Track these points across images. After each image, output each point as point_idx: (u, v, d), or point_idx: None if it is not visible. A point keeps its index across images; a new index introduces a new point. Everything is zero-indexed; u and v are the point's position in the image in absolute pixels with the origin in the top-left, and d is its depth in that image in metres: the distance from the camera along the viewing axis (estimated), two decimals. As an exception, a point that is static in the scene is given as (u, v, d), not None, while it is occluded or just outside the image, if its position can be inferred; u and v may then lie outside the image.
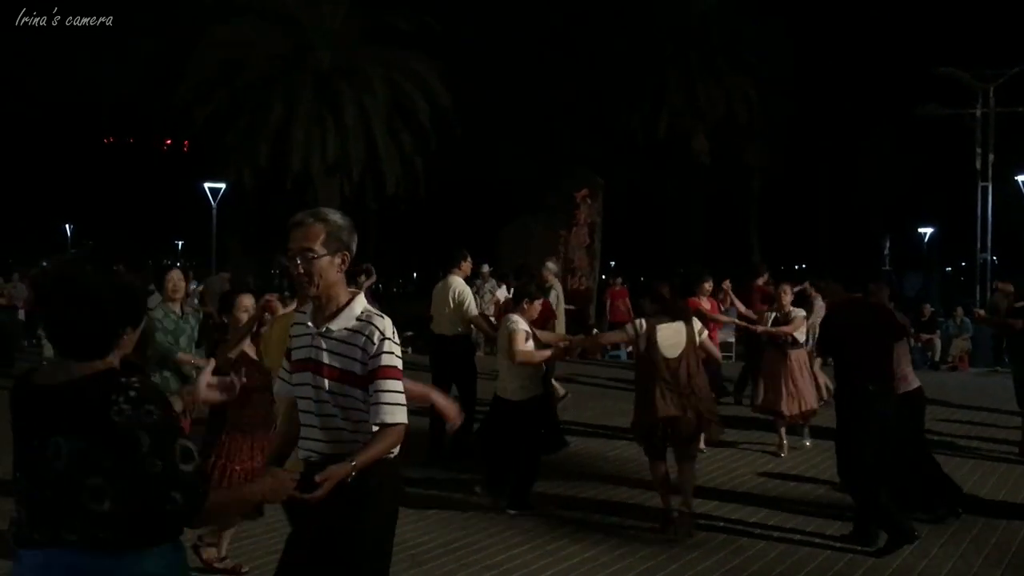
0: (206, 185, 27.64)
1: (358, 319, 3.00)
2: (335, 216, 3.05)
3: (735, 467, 8.05)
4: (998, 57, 22.58)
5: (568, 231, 18.03)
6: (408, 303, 22.44)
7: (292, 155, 23.10)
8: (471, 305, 8.31)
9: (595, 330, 15.93)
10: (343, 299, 3.04)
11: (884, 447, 5.80)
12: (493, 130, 27.75)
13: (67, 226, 44.18)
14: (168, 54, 24.19)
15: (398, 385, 2.96)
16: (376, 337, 2.95)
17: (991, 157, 22.10)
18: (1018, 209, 23.41)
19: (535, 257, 17.39)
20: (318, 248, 2.97)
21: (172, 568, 2.36)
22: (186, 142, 32.43)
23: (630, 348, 7.20)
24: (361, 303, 3.05)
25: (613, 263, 32.82)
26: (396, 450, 3.09)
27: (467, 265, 8.68)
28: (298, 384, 3.09)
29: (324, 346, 3.00)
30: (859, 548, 5.80)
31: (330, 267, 2.98)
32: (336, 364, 2.98)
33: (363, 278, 7.81)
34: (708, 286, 9.40)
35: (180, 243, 48.77)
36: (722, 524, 6.35)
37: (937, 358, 17.03)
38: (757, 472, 7.88)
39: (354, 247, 3.07)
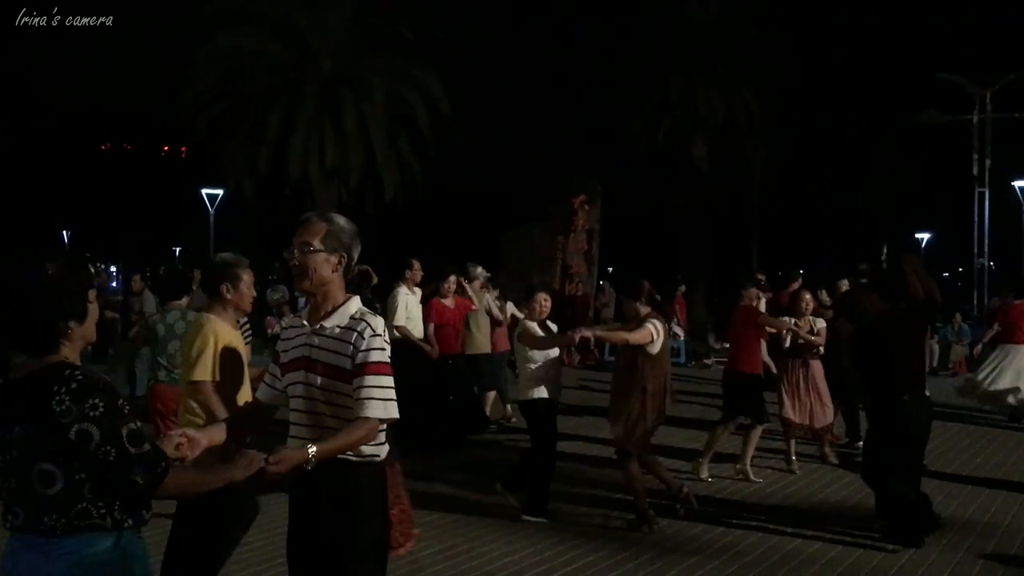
0: (204, 192, 27.67)
1: (352, 317, 3.05)
2: (340, 219, 3.14)
3: (732, 475, 8.06)
4: (996, 64, 22.67)
5: (566, 237, 18.01)
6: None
7: (291, 162, 23.14)
8: (392, 315, 8.65)
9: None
10: (339, 299, 3.11)
11: (916, 453, 6.07)
12: (493, 137, 27.81)
13: (64, 233, 44.13)
14: (168, 61, 24.23)
15: (384, 381, 2.98)
16: (367, 333, 3.00)
17: (988, 163, 22.16)
18: (1015, 215, 23.46)
19: (535, 264, 17.42)
20: (316, 243, 3.05)
21: (125, 554, 2.48)
22: (183, 148, 32.47)
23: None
24: (357, 304, 3.11)
25: (611, 269, 32.80)
26: (383, 452, 3.12)
27: (412, 274, 9.13)
28: (290, 383, 3.12)
29: (317, 343, 3.05)
30: (860, 552, 5.83)
31: (325, 264, 3.05)
32: (328, 361, 3.02)
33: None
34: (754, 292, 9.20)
35: (178, 250, 48.73)
36: (721, 530, 6.36)
37: (935, 364, 17.04)
38: (757, 477, 7.89)
39: (355, 253, 3.13)
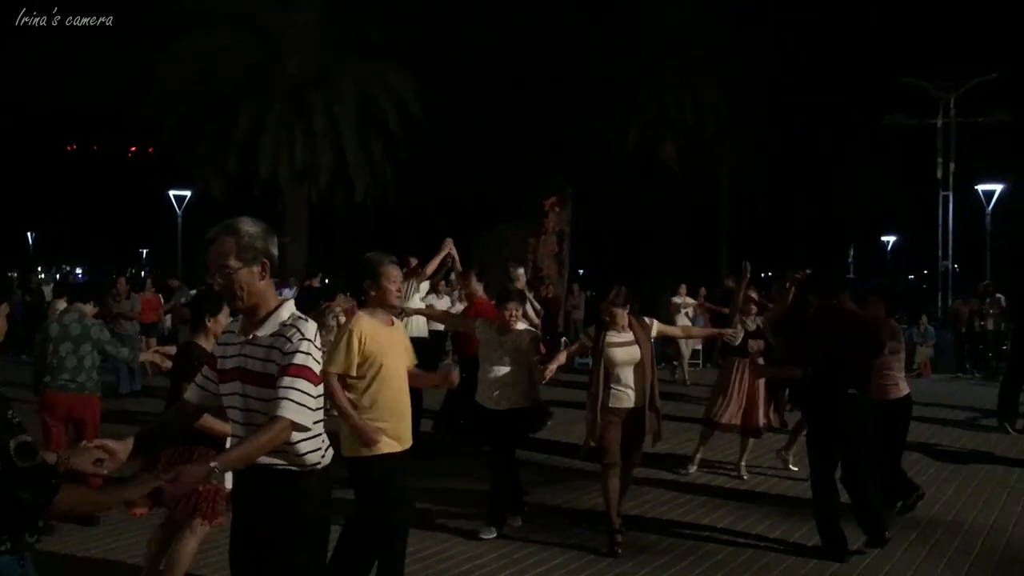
0: (171, 193, 27.40)
1: (283, 324, 2.96)
2: (246, 226, 2.99)
3: (704, 474, 8.10)
4: (960, 69, 23.02)
5: (537, 239, 18.04)
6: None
7: (260, 163, 22.98)
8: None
9: (563, 338, 15.98)
10: (271, 305, 3.01)
11: (863, 448, 6.03)
12: (464, 139, 27.77)
13: (29, 234, 43.51)
14: (136, 61, 23.97)
15: (303, 385, 2.87)
16: (295, 338, 2.91)
17: (952, 166, 22.47)
18: (979, 217, 23.81)
19: (505, 265, 17.41)
20: (232, 262, 2.93)
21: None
22: (151, 149, 32.12)
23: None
24: (289, 309, 3.01)
25: (582, 271, 32.88)
26: (326, 458, 3.07)
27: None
28: (227, 394, 3.05)
29: (251, 353, 2.97)
30: (824, 553, 5.86)
31: (251, 277, 2.95)
32: (260, 370, 2.94)
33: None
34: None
35: (145, 251, 48.23)
36: (690, 531, 6.38)
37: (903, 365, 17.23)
38: (726, 479, 7.93)
39: (274, 250, 3.01)
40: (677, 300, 15.28)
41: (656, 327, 6.29)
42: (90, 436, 6.11)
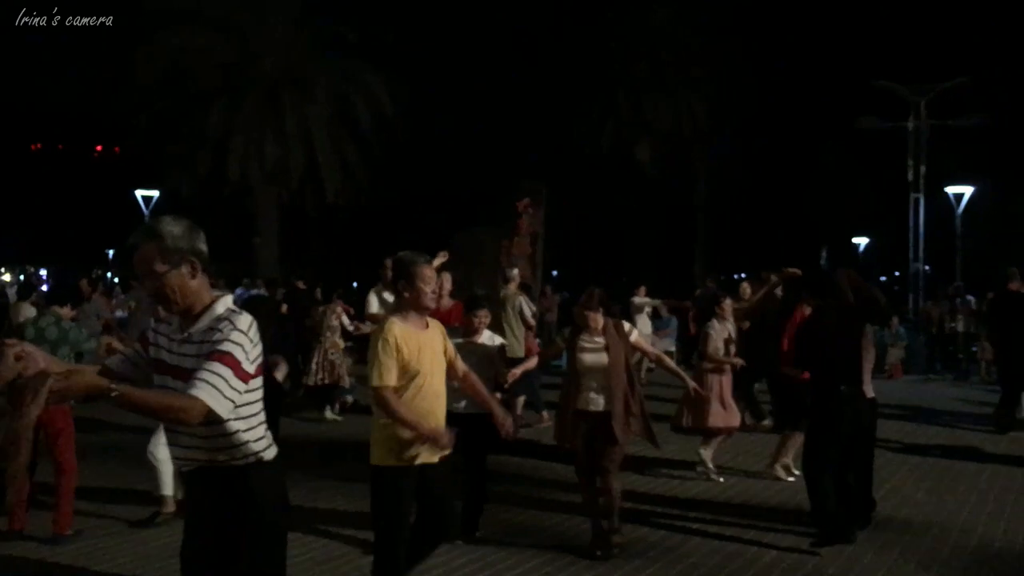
0: (139, 193, 27.08)
1: (218, 317, 2.90)
2: (167, 226, 2.90)
3: (676, 475, 8.06)
4: (932, 72, 23.21)
5: (510, 241, 17.94)
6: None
7: (230, 163, 22.77)
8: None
9: (537, 340, 15.89)
10: (206, 300, 2.95)
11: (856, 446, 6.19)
12: (438, 140, 27.68)
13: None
14: (105, 59, 23.68)
15: (226, 372, 2.76)
16: (227, 329, 2.84)
17: (923, 169, 22.64)
18: (950, 219, 24.02)
19: (481, 268, 17.29)
20: (159, 267, 2.86)
21: None
22: (116, 148, 31.75)
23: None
24: (225, 304, 2.95)
25: (556, 273, 32.86)
26: (270, 453, 3.01)
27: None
28: (158, 386, 2.96)
29: (187, 351, 2.90)
30: (798, 553, 5.85)
31: (181, 279, 2.88)
32: (192, 366, 2.84)
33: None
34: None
35: (111, 252, 47.67)
36: (663, 532, 6.35)
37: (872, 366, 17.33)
38: (698, 479, 7.90)
39: (201, 246, 2.94)
40: (637, 300, 15.19)
41: (634, 335, 6.04)
42: (64, 444, 5.99)
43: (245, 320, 2.89)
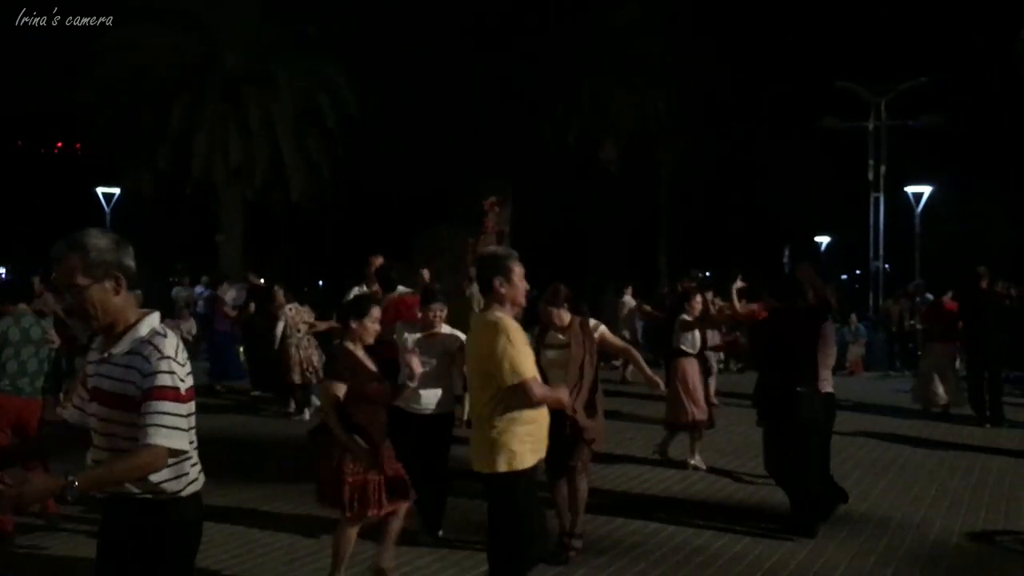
0: (100, 191, 26.71)
1: (141, 340, 2.76)
2: (92, 239, 2.78)
3: (639, 475, 8.11)
4: (892, 73, 23.54)
5: (476, 239, 17.95)
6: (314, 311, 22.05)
7: (193, 160, 22.52)
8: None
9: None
10: (130, 320, 2.81)
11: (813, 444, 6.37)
12: (404, 138, 27.57)
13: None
14: (64, 54, 23.32)
15: (170, 407, 2.68)
16: (154, 357, 2.71)
17: (883, 169, 22.96)
18: (909, 218, 24.39)
19: (446, 266, 17.26)
20: (81, 280, 2.74)
21: None
22: (77, 145, 31.28)
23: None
24: (149, 324, 2.81)
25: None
26: (191, 486, 2.81)
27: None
28: (91, 414, 2.85)
29: (107, 373, 2.77)
30: (761, 548, 5.92)
31: (103, 294, 2.76)
32: (113, 390, 2.74)
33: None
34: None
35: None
36: (630, 528, 6.40)
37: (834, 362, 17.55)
38: (659, 479, 7.96)
39: (128, 261, 2.81)
40: (627, 300, 15.42)
41: (600, 330, 5.95)
42: (30, 441, 5.91)
43: (171, 343, 2.76)
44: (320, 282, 43.00)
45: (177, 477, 2.78)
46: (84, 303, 2.76)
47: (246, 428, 10.54)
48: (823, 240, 38.66)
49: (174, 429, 2.69)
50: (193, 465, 2.84)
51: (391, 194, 29.55)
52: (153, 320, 2.83)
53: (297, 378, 10.91)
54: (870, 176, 23.14)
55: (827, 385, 6.70)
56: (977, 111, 27.15)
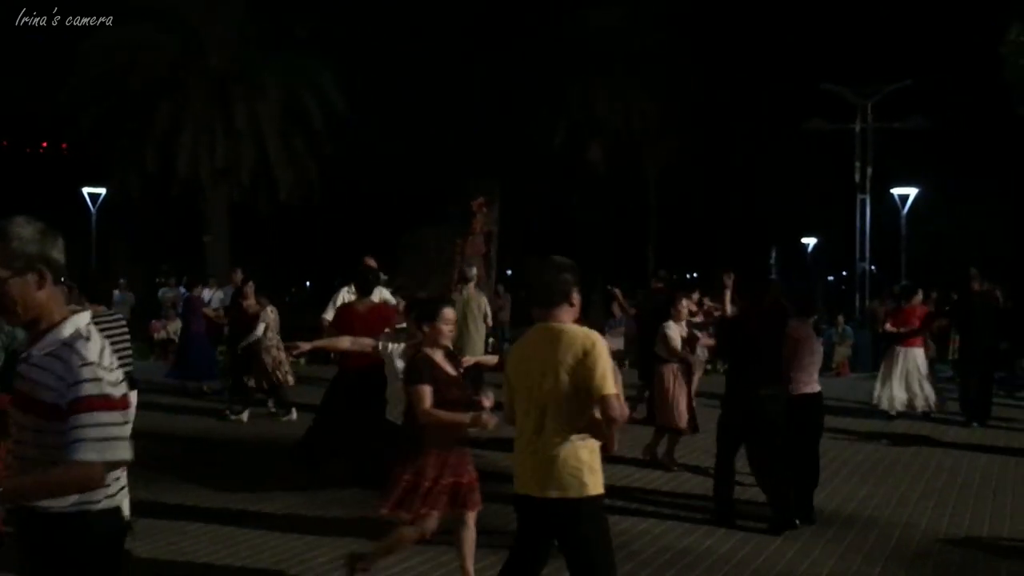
0: (85, 190, 26.57)
1: (62, 343, 2.54)
2: (16, 228, 2.59)
3: (628, 475, 8.12)
4: (877, 76, 23.63)
5: (464, 240, 17.94)
6: (302, 312, 21.97)
7: (179, 160, 22.43)
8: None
9: (490, 339, 15.91)
10: (54, 319, 2.59)
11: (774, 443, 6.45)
12: (391, 138, 27.53)
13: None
14: (49, 53, 23.19)
15: (101, 417, 2.47)
16: (75, 363, 2.48)
17: (869, 171, 23.06)
18: (895, 220, 24.51)
19: (433, 266, 17.25)
20: (0, 271, 2.54)
21: None
22: (63, 145, 31.08)
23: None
24: (73, 324, 2.58)
25: (510, 272, 32.89)
26: (108, 500, 2.59)
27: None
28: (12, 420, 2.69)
29: (25, 373, 2.57)
30: (747, 550, 5.92)
31: (25, 288, 2.54)
32: (30, 393, 2.54)
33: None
34: None
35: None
36: (614, 529, 6.36)
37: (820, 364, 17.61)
38: (646, 479, 7.97)
39: (55, 255, 2.61)
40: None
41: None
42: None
43: (94, 347, 2.54)
44: (308, 283, 42.97)
45: (98, 486, 2.55)
46: (3, 297, 2.55)
47: (234, 429, 10.51)
48: (810, 241, 38.82)
49: (108, 440, 2.47)
50: (116, 478, 2.62)
51: (378, 194, 29.52)
52: (79, 321, 2.61)
53: (277, 379, 10.84)
54: (856, 178, 23.23)
55: (812, 386, 6.73)
56: (962, 113, 27.30)
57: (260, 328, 10.86)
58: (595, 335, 3.79)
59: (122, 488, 2.66)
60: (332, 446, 7.50)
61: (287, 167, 23.77)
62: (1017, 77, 16.11)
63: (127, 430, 2.56)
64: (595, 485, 3.73)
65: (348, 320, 7.44)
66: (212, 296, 17.46)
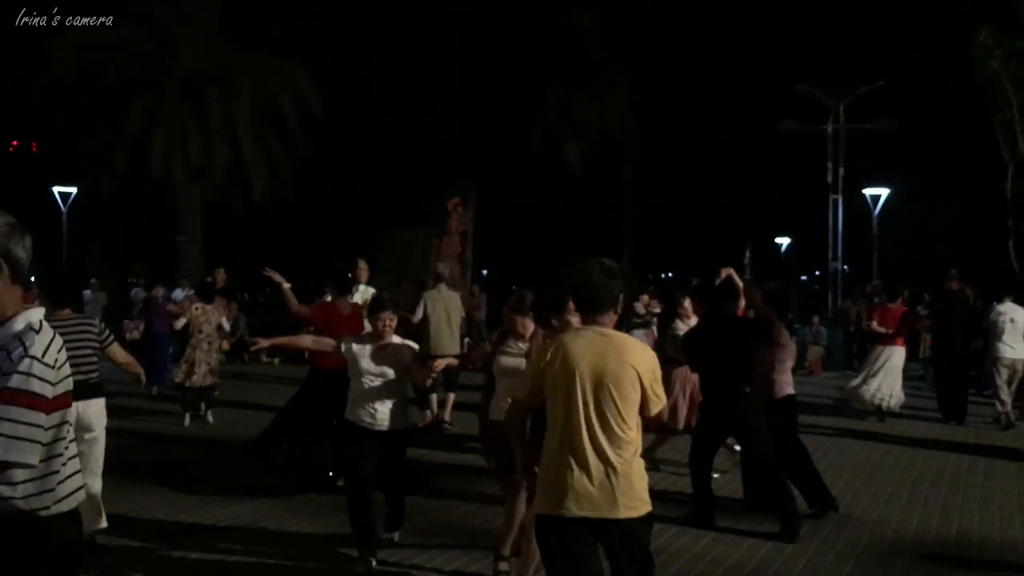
0: (56, 190, 26.28)
1: (12, 335, 2.48)
2: None
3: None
4: (850, 77, 23.85)
5: (440, 240, 17.95)
6: (274, 312, 21.85)
7: (152, 160, 22.21)
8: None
9: (466, 339, 15.91)
10: (7, 312, 2.53)
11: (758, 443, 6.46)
12: (368, 138, 27.43)
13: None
14: (18, 50, 22.89)
15: (20, 414, 2.37)
16: (16, 354, 2.42)
17: (841, 171, 23.27)
18: (866, 221, 24.74)
19: (410, 266, 17.24)
20: None
21: None
22: (33, 144, 30.71)
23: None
24: (26, 319, 2.52)
25: (485, 272, 32.93)
26: (58, 505, 2.52)
27: (357, 273, 8.70)
28: None
29: None
30: (720, 549, 5.96)
31: None
32: None
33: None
34: None
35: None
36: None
37: (793, 363, 17.76)
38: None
39: (18, 251, 2.54)
40: None
41: None
42: None
43: (40, 343, 2.46)
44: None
45: (39, 493, 2.47)
46: None
47: (196, 431, 10.43)
48: (783, 241, 39.12)
49: (19, 439, 2.37)
50: (62, 482, 2.53)
51: (354, 195, 29.39)
52: (31, 315, 2.54)
53: (202, 380, 10.42)
54: (829, 178, 23.43)
55: (786, 388, 6.80)
56: (934, 115, 27.59)
57: (179, 323, 10.78)
58: (649, 349, 3.71)
59: (75, 491, 2.59)
60: (282, 437, 7.47)
61: (262, 167, 23.61)
62: (987, 78, 16.31)
63: (39, 433, 2.41)
64: (648, 500, 3.62)
65: (326, 319, 7.37)
66: (184, 297, 17.30)
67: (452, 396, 10.46)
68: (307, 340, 6.17)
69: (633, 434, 3.50)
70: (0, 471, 2.37)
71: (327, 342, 5.90)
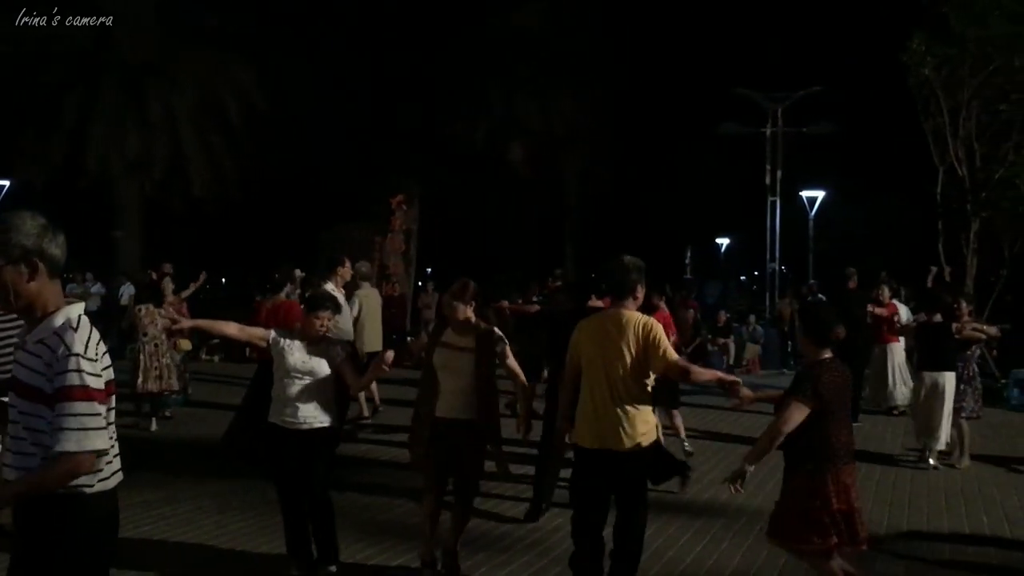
0: (-14, 183, 25.56)
1: (54, 332, 2.69)
2: (16, 220, 2.76)
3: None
4: (789, 82, 24.33)
5: (383, 237, 17.91)
6: (219, 310, 21.56)
7: (88, 153, 21.75)
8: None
9: (409, 337, 15.93)
10: (48, 308, 2.74)
11: None
12: (311, 134, 27.20)
13: None
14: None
15: (78, 407, 2.62)
16: (61, 352, 2.64)
17: (779, 173, 23.74)
18: (803, 222, 25.29)
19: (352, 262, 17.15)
20: None
21: None
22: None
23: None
24: (65, 314, 2.73)
25: (430, 270, 32.85)
26: (102, 483, 2.75)
27: (343, 271, 8.72)
28: (10, 403, 2.81)
29: (22, 360, 2.73)
30: (657, 543, 6.06)
31: (18, 277, 2.68)
32: (25, 380, 2.69)
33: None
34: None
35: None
36: (564, 531, 6.46)
37: (731, 361, 18.12)
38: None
39: (52, 250, 2.74)
40: None
41: (502, 349, 5.29)
42: None
43: (80, 339, 2.67)
44: (223, 279, 42.10)
45: (88, 473, 2.71)
46: None
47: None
48: (723, 242, 39.75)
49: (86, 430, 2.62)
50: (108, 462, 2.78)
51: (297, 191, 29.13)
52: (71, 311, 2.74)
53: (151, 385, 9.94)
54: (767, 180, 23.89)
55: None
56: (868, 119, 28.26)
57: (123, 324, 10.71)
58: (651, 319, 4.80)
59: (115, 472, 2.82)
60: (246, 432, 7.45)
61: (202, 162, 23.28)
62: (919, 85, 16.76)
63: (102, 420, 2.68)
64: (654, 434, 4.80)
65: (289, 318, 7.41)
66: (124, 291, 17.05)
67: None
68: (232, 327, 5.55)
69: (638, 389, 4.68)
70: (81, 461, 2.62)
71: (257, 333, 5.54)
